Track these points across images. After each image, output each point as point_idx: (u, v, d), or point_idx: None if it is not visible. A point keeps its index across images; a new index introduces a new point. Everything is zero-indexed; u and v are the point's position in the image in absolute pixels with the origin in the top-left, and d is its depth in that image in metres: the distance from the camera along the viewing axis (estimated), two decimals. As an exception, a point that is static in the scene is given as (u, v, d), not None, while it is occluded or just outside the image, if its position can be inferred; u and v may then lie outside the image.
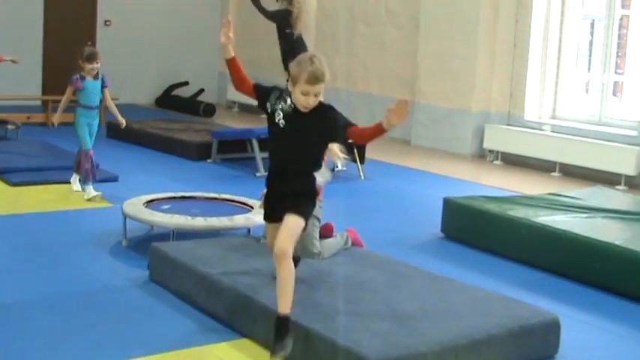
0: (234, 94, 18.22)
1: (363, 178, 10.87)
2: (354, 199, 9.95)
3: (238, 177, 10.58)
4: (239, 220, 7.15)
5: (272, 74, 16.60)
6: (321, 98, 5.20)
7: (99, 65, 8.98)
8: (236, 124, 15.06)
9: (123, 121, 9.38)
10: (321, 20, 16.61)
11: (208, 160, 11.55)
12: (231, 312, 5.43)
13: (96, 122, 9.13)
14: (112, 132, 12.75)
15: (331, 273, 5.90)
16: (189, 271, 5.89)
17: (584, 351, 5.48)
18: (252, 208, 7.57)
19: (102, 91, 9.07)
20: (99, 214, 8.38)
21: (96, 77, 9.00)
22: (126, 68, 17.46)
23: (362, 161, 10.93)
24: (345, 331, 4.77)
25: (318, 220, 6.31)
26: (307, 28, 16.63)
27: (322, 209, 6.35)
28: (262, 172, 10.43)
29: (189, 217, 7.03)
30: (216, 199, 7.90)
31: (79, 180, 9.16)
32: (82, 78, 8.91)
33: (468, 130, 13.46)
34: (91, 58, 8.91)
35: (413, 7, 14.49)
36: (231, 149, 11.74)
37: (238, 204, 7.79)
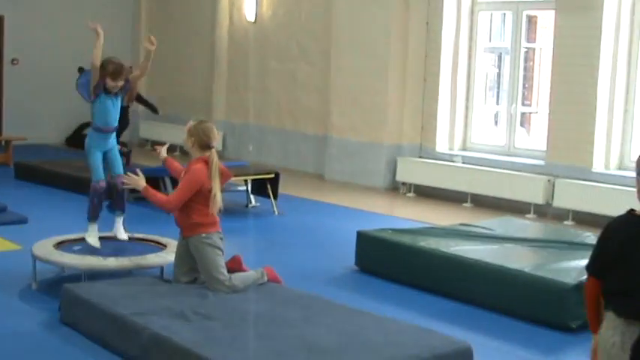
0: (146, 132, 18.14)
1: (276, 213, 10.87)
2: (267, 234, 9.94)
3: (151, 216, 10.47)
4: (151, 259, 7.09)
5: (182, 110, 16.61)
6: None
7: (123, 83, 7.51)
8: (149, 162, 14.93)
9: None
10: (233, 57, 16.64)
11: (121, 200, 11.42)
12: (145, 352, 5.36)
13: (111, 147, 7.72)
14: (21, 173, 12.53)
15: (246, 309, 5.88)
16: (102, 311, 5.81)
17: (497, 378, 5.56)
18: (164, 246, 7.50)
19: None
20: (7, 258, 8.20)
21: (117, 94, 7.52)
22: (34, 108, 17.22)
23: (275, 197, 10.93)
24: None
25: (220, 249, 6.37)
26: (219, 64, 16.70)
27: (224, 240, 6.48)
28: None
29: (100, 258, 6.94)
30: (128, 238, 7.81)
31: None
32: (101, 88, 7.39)
33: (380, 163, 13.59)
34: (117, 74, 7.43)
35: (324, 42, 14.62)
36: (144, 187, 11.61)
37: (151, 243, 7.73)
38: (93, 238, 7.39)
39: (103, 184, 7.56)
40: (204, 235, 6.38)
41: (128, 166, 9.21)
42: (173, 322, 5.44)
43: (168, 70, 17.55)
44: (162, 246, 7.57)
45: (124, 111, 10.64)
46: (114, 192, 7.75)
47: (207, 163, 6.42)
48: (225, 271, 6.31)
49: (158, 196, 6.71)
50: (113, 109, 7.51)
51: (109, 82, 7.40)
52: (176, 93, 16.81)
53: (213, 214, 6.42)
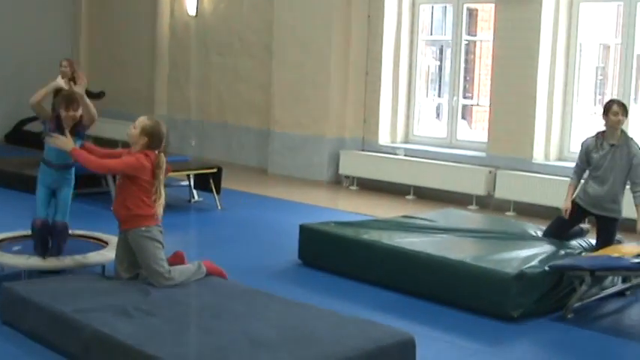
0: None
1: (219, 208, 10.82)
2: (210, 229, 9.91)
3: (93, 212, 10.37)
4: (93, 257, 7.02)
5: (123, 105, 16.50)
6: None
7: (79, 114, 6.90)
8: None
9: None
10: (174, 51, 16.52)
11: (62, 196, 11.26)
12: (87, 350, 5.31)
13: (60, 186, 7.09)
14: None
15: (189, 304, 5.86)
16: (42, 310, 5.73)
17: (440, 368, 5.61)
18: (106, 244, 7.44)
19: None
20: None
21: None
22: (-28, 105, 16.96)
23: (218, 191, 10.88)
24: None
25: (160, 243, 6.36)
26: (160, 59, 16.58)
27: (163, 234, 6.45)
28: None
29: (41, 257, 6.85)
30: (69, 235, 7.73)
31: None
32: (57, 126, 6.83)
33: (323, 156, 13.60)
34: (69, 102, 6.85)
35: (266, 36, 14.58)
36: (86, 184, 11.48)
37: (92, 240, 7.65)
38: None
39: (38, 222, 6.89)
40: (143, 228, 6.33)
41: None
42: (115, 319, 5.40)
43: (109, 65, 17.39)
44: (103, 243, 7.50)
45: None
46: (52, 235, 7.02)
47: (151, 160, 6.32)
48: (165, 264, 6.28)
49: (88, 157, 6.47)
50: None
51: (63, 113, 6.77)
52: (117, 88, 16.64)
53: (153, 206, 6.36)
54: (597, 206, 7.85)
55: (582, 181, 8.06)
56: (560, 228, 8.02)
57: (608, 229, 7.82)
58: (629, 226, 9.90)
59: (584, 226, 8.28)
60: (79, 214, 10.20)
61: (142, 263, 6.32)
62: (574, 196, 8.01)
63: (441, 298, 6.98)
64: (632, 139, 7.94)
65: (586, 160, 7.94)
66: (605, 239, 7.74)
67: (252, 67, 15.09)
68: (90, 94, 13.91)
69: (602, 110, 7.93)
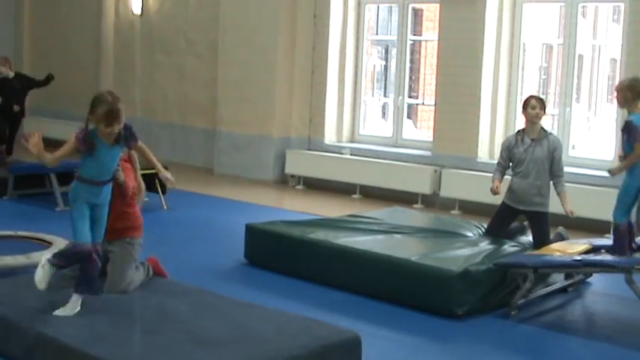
0: (31, 128, 17.70)
1: (165, 208, 10.76)
2: (156, 229, 9.79)
3: (36, 213, 10.26)
4: (36, 257, 6.93)
5: (68, 104, 16.33)
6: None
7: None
8: (32, 158, 14.61)
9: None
10: (119, 50, 16.40)
11: (4, 197, 11.13)
12: (30, 352, 5.24)
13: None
14: None
15: (134, 305, 5.81)
16: (-17, 312, 5.65)
17: (385, 366, 5.64)
18: (50, 244, 7.36)
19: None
20: None
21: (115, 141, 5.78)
22: None
23: (164, 191, 10.81)
24: (147, 363, 4.72)
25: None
26: (105, 58, 16.44)
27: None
28: (62, 207, 10.17)
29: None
30: (12, 236, 7.64)
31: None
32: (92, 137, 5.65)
33: (269, 156, 13.60)
34: (112, 117, 5.71)
35: (211, 35, 14.54)
36: (29, 185, 11.37)
37: (36, 241, 7.57)
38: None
39: (91, 247, 5.56)
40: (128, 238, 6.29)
41: None
42: (59, 321, 5.34)
43: (53, 64, 17.15)
44: (47, 244, 7.42)
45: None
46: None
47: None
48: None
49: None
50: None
51: (102, 130, 5.68)
52: (61, 87, 16.44)
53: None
54: (524, 201, 7.95)
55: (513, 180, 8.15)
56: (498, 226, 8.13)
57: (540, 225, 7.93)
58: (571, 224, 10.05)
59: (525, 223, 8.37)
60: (23, 215, 10.14)
61: (117, 271, 6.15)
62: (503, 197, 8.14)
63: (387, 296, 7.01)
64: (552, 133, 8.16)
65: (507, 157, 8.10)
66: (541, 236, 7.85)
67: (197, 67, 15.04)
68: (39, 83, 13.83)
69: (522, 106, 8.16)
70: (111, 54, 16.58)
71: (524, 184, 7.94)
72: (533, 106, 7.98)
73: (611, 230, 7.20)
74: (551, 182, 8.00)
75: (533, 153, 7.93)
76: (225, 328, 5.39)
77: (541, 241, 7.79)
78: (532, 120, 8.00)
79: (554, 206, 8.15)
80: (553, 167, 7.95)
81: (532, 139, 7.97)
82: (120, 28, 16.37)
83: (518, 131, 8.15)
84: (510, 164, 8.14)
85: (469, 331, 6.49)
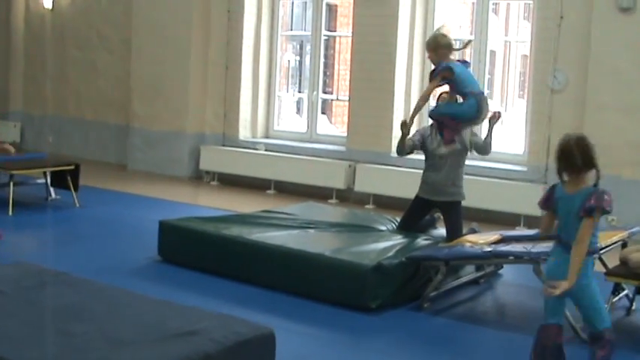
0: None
1: (77, 205, 10.61)
2: (68, 227, 9.71)
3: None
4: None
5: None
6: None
7: None
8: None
9: None
10: (29, 45, 16.11)
11: None
12: None
13: None
14: None
15: (46, 305, 5.72)
16: None
17: (299, 359, 5.66)
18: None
19: None
20: None
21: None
22: None
23: (75, 188, 10.65)
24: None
25: None
26: (15, 53, 16.14)
27: None
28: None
29: None
30: None
31: None
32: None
33: (183, 152, 13.52)
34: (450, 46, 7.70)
35: (124, 30, 14.39)
36: None
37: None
38: None
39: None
40: None
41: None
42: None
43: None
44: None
45: None
46: None
47: None
48: None
49: None
50: None
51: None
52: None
53: None
54: (439, 192, 8.03)
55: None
56: (411, 220, 8.20)
57: (453, 213, 8.02)
58: (482, 217, 10.22)
59: (436, 215, 8.47)
60: None
61: None
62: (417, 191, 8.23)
63: (301, 291, 7.04)
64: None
65: (419, 141, 8.15)
66: (454, 225, 7.95)
67: (110, 62, 14.87)
68: None
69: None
70: (21, 49, 16.28)
71: (438, 178, 8.02)
72: None
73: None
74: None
75: (445, 147, 8.02)
76: (140, 327, 5.33)
77: (454, 230, 7.89)
78: None
79: (469, 201, 8.27)
80: (475, 147, 8.10)
81: None
82: (30, 23, 16.07)
83: (432, 124, 8.21)
84: (422, 152, 8.19)
85: (383, 324, 6.56)
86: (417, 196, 8.20)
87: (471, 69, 8.33)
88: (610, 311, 6.21)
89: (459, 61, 7.95)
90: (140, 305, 5.87)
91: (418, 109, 7.89)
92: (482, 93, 7.92)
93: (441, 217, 8.28)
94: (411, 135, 8.08)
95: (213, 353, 4.99)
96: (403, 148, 8.09)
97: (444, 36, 7.75)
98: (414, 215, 8.23)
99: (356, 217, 9.14)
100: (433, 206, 8.19)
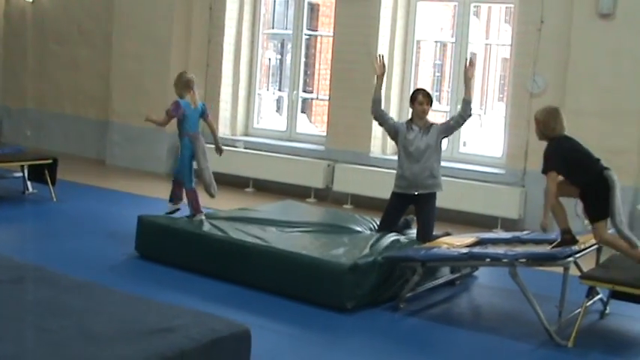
0: None
1: (55, 200, 10.57)
2: (45, 222, 9.68)
3: None
4: None
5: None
6: None
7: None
8: None
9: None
10: (9, 38, 16.03)
11: None
12: None
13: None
14: None
15: (23, 300, 5.70)
16: None
17: (274, 358, 5.67)
18: None
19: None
20: None
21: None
22: None
23: (53, 183, 10.61)
24: (35, 359, 4.63)
25: None
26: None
27: None
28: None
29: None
30: None
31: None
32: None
33: (162, 148, 13.50)
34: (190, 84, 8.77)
35: (106, 25, 14.35)
36: None
37: None
38: None
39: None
40: None
41: None
42: None
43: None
44: None
45: None
46: None
47: None
48: None
49: None
50: None
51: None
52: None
53: None
54: (418, 185, 8.13)
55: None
56: (390, 219, 8.25)
57: (429, 207, 8.15)
58: (460, 218, 10.28)
59: (409, 217, 8.53)
60: None
61: None
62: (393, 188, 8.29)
63: (278, 289, 7.06)
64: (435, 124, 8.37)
65: (394, 127, 8.35)
66: (426, 219, 8.04)
67: (91, 57, 14.82)
68: None
69: (410, 99, 8.39)
70: (0, 42, 16.20)
71: (417, 168, 8.11)
72: (421, 101, 8.21)
73: None
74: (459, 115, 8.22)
75: (422, 139, 8.13)
76: (116, 323, 5.32)
77: (426, 224, 7.97)
78: (419, 115, 8.23)
79: (447, 202, 8.32)
80: (447, 129, 8.24)
81: (420, 127, 8.18)
82: (10, 16, 15.99)
83: (407, 121, 8.33)
84: (394, 133, 8.32)
85: (358, 324, 6.58)
86: (393, 194, 8.27)
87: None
88: (584, 315, 6.28)
89: None
90: (117, 301, 5.86)
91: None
92: None
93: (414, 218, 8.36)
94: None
95: (188, 350, 4.99)
96: (378, 99, 8.32)
97: None
98: (393, 213, 8.27)
99: (334, 216, 9.16)
100: (410, 200, 8.23)
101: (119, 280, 7.14)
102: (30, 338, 4.97)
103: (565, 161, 6.68)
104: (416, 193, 8.15)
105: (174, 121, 8.79)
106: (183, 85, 8.77)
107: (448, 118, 8.32)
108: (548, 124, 6.84)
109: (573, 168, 6.68)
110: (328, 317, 6.63)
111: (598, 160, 6.70)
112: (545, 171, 6.71)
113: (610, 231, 6.66)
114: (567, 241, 6.82)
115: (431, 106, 8.28)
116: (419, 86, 10.46)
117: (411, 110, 8.36)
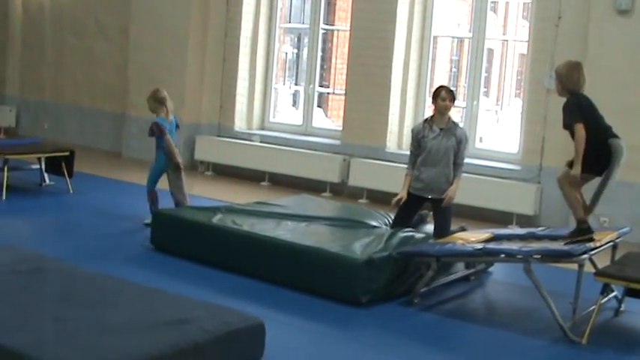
0: None
1: (71, 192, 10.62)
2: (62, 213, 9.72)
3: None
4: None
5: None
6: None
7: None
8: None
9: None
10: (28, 31, 16.10)
11: None
12: None
13: None
14: None
15: (39, 291, 5.73)
16: None
17: (288, 351, 5.68)
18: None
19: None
20: None
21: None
22: None
23: (70, 175, 10.67)
24: (51, 348, 4.66)
25: None
26: (13, 39, 16.12)
27: None
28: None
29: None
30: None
31: None
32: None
33: (179, 141, 13.49)
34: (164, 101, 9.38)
35: (123, 18, 14.39)
36: None
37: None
38: None
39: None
40: None
41: None
42: None
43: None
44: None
45: None
46: None
47: None
48: None
49: None
50: None
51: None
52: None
53: None
54: (434, 189, 8.08)
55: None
56: (404, 216, 8.23)
57: (445, 210, 8.08)
58: (475, 214, 10.26)
59: (423, 212, 8.51)
60: None
61: None
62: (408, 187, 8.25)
63: (292, 283, 7.06)
64: (458, 124, 8.29)
65: (418, 145, 8.19)
66: (443, 223, 8.00)
67: (108, 50, 14.87)
68: None
69: (432, 96, 8.27)
70: (18, 35, 16.27)
71: (434, 173, 8.06)
72: (443, 97, 8.09)
73: None
74: None
75: (441, 142, 8.06)
76: (131, 315, 5.36)
77: (443, 227, 7.94)
78: (441, 111, 8.12)
79: (462, 198, 8.30)
80: (456, 156, 8.12)
81: (441, 129, 8.10)
82: (28, 9, 16.07)
83: (427, 120, 8.25)
84: (417, 144, 8.24)
85: (372, 319, 6.58)
86: (409, 193, 8.22)
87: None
88: (598, 312, 6.27)
89: None
90: (132, 293, 5.89)
91: None
92: None
93: (431, 213, 8.33)
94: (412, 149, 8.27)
95: (202, 342, 5.02)
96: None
97: None
98: (407, 212, 8.25)
99: (349, 211, 9.15)
100: (425, 202, 8.22)
101: (134, 271, 7.15)
102: (45, 328, 5.00)
103: (585, 116, 6.73)
104: (430, 197, 8.13)
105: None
106: (159, 101, 9.33)
107: (460, 152, 8.21)
108: (571, 76, 6.91)
109: (591, 124, 6.72)
110: (342, 311, 6.64)
111: (609, 127, 6.82)
112: (569, 123, 6.75)
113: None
114: (584, 230, 6.83)
115: (454, 102, 8.19)
116: (436, 82, 10.44)
117: (432, 107, 8.28)
